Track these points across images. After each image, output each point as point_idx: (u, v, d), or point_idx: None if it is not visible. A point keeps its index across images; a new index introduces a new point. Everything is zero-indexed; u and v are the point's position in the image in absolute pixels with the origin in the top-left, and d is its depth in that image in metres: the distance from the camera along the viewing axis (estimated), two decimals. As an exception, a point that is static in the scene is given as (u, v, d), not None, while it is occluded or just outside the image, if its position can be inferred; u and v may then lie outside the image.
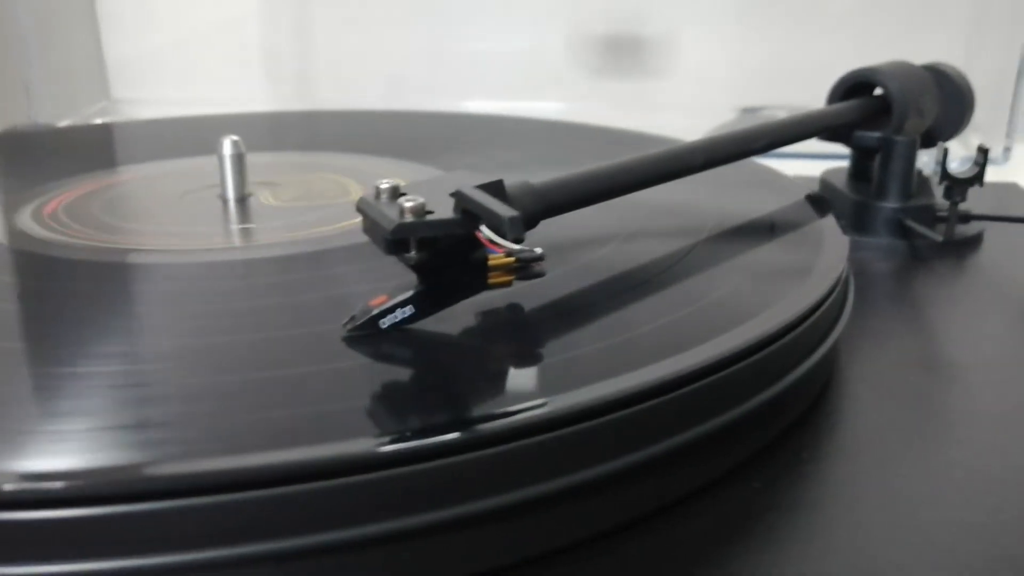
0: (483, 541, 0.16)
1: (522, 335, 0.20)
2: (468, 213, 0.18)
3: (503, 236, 0.17)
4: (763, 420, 0.20)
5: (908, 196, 0.33)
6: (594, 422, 0.16)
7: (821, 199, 0.30)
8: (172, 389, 0.17)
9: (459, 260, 0.19)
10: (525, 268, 0.20)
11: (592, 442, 0.16)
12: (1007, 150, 0.47)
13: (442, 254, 0.18)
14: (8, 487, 0.14)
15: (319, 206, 0.28)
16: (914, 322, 0.27)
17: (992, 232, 0.33)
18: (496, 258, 0.19)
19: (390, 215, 0.18)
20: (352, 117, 0.42)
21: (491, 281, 0.19)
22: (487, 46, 0.66)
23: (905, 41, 0.56)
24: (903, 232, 0.32)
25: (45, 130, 0.44)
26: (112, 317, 0.21)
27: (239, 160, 0.29)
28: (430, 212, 0.18)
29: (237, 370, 0.18)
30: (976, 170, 0.30)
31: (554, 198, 0.22)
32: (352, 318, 0.19)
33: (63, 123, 0.48)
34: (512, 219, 0.17)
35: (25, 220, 0.28)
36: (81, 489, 0.14)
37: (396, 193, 0.19)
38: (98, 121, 0.49)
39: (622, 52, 0.66)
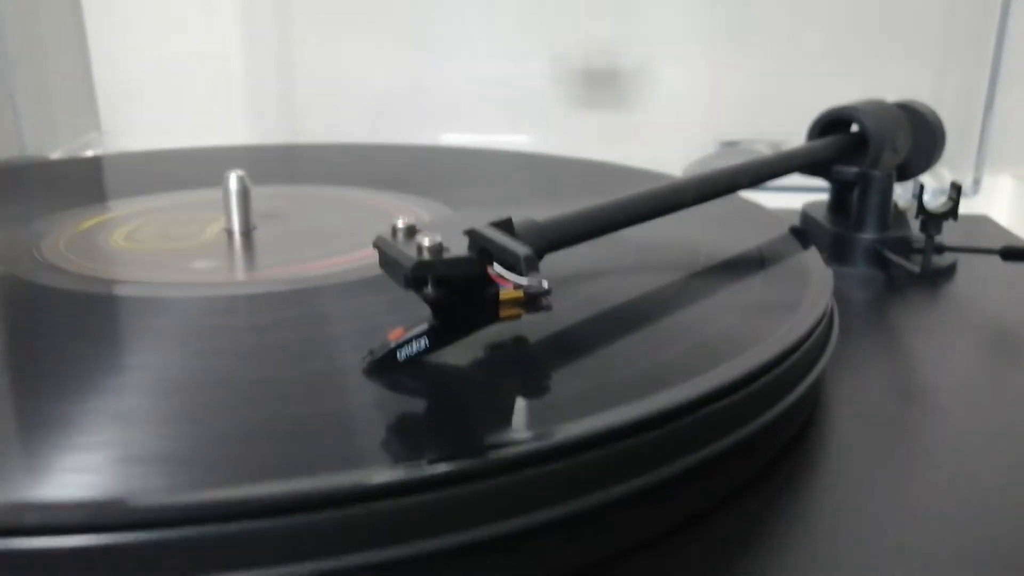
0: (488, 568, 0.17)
1: (525, 369, 0.21)
2: (482, 251, 0.19)
3: (519, 273, 0.18)
4: (754, 449, 0.21)
5: (885, 228, 0.34)
6: (588, 454, 0.17)
7: (803, 232, 0.31)
8: (190, 422, 0.18)
9: (471, 294, 0.20)
10: (533, 302, 0.21)
11: (587, 473, 0.17)
12: (976, 182, 0.49)
13: (456, 289, 0.19)
14: (31, 516, 0.15)
15: (324, 239, 0.29)
16: (892, 349, 0.28)
17: (964, 262, 0.35)
18: (507, 292, 0.20)
19: (409, 253, 0.19)
20: (345, 150, 0.43)
21: (502, 314, 0.20)
22: (465, 79, 0.68)
23: (875, 74, 0.58)
24: (880, 262, 0.34)
25: (40, 162, 0.44)
26: (128, 352, 0.22)
27: (244, 195, 0.29)
28: (446, 250, 0.19)
29: (258, 403, 0.19)
30: (950, 205, 0.31)
31: (557, 234, 0.23)
32: (371, 351, 0.20)
33: (56, 154, 0.49)
34: (527, 257, 0.18)
35: (34, 253, 0.28)
36: (93, 517, 0.15)
37: (412, 232, 0.20)
38: (90, 153, 0.50)
39: (600, 85, 0.67)
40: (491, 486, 0.16)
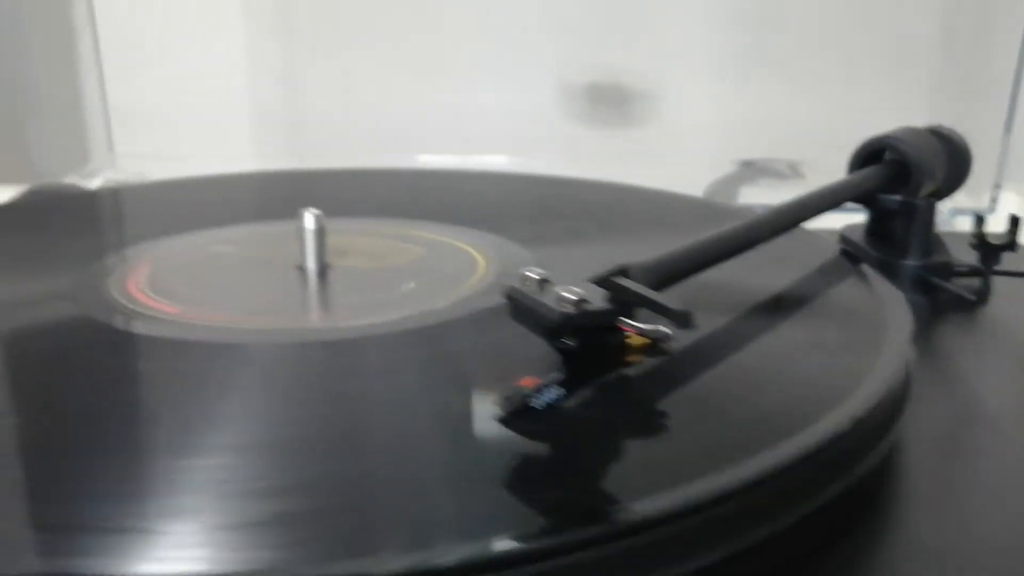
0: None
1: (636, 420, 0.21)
2: (624, 303, 0.20)
3: (679, 327, 0.19)
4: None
5: (928, 254, 0.35)
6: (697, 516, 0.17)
7: (856, 259, 0.32)
8: (306, 482, 0.18)
9: (599, 341, 0.20)
10: (655, 347, 0.21)
11: (695, 534, 0.18)
12: (993, 201, 0.51)
13: (588, 337, 0.20)
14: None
15: (401, 277, 0.29)
16: (950, 375, 0.29)
17: (998, 284, 0.36)
18: (632, 338, 0.21)
19: (552, 305, 0.19)
20: (386, 177, 0.44)
21: (627, 360, 0.21)
22: (472, 100, 0.68)
23: (885, 93, 0.60)
24: (925, 288, 0.35)
25: (76, 192, 0.44)
26: (224, 403, 0.22)
27: (321, 233, 0.30)
28: (588, 302, 0.19)
29: (378, 457, 0.19)
30: (1009, 237, 0.32)
31: (665, 276, 0.23)
32: (507, 399, 0.20)
33: (71, 178, 0.48)
34: (687, 314, 0.19)
35: (105, 291, 0.28)
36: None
37: (545, 283, 0.20)
38: (111, 177, 0.49)
39: (609, 106, 0.68)
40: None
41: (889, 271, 0.36)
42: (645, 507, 0.17)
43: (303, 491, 0.18)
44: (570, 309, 0.19)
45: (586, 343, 0.20)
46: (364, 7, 0.67)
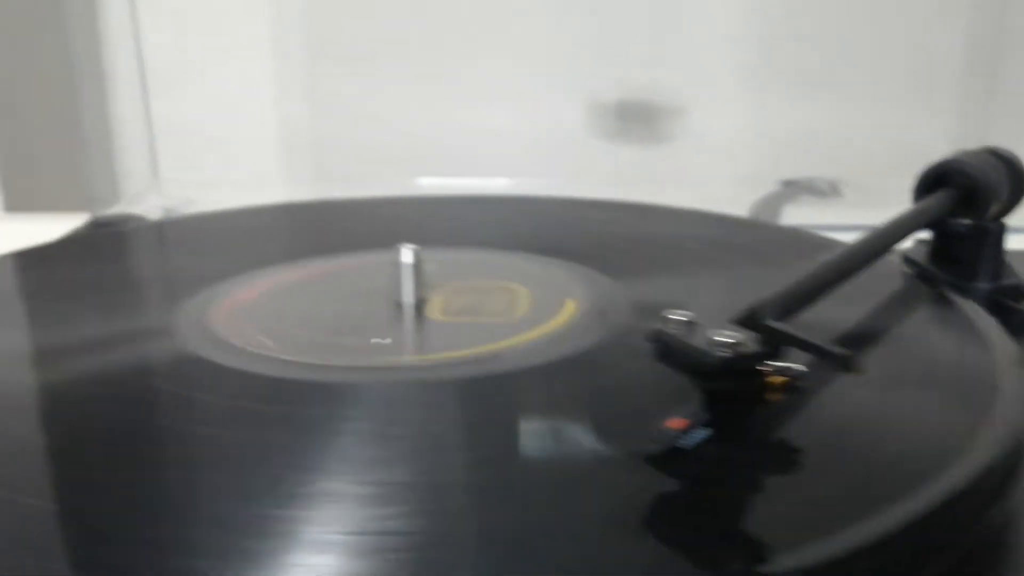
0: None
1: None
2: (776, 346, 0.20)
3: (842, 370, 0.19)
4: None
5: (999, 277, 0.36)
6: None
7: (934, 284, 0.33)
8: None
9: (741, 380, 0.21)
10: (792, 385, 0.22)
11: None
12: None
13: (738, 378, 0.20)
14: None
15: (496, 312, 0.30)
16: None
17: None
18: (772, 377, 0.21)
19: (707, 349, 0.20)
20: (453, 204, 0.44)
21: (766, 398, 0.21)
22: (500, 120, 0.68)
23: (915, 108, 0.60)
24: (997, 311, 0.35)
25: (140, 222, 0.44)
26: (352, 446, 0.22)
27: (418, 267, 0.30)
28: (743, 344, 0.20)
29: (516, 499, 0.19)
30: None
31: (783, 312, 0.24)
32: (652, 440, 0.20)
33: (141, 208, 0.48)
34: (850, 357, 0.19)
35: (204, 326, 0.28)
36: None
37: (692, 324, 0.21)
38: (157, 204, 0.49)
39: (643, 123, 0.68)
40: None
41: (960, 294, 0.37)
42: (798, 556, 0.17)
43: (445, 535, 0.18)
44: (727, 353, 0.19)
45: (734, 384, 0.20)
46: (393, 28, 0.68)
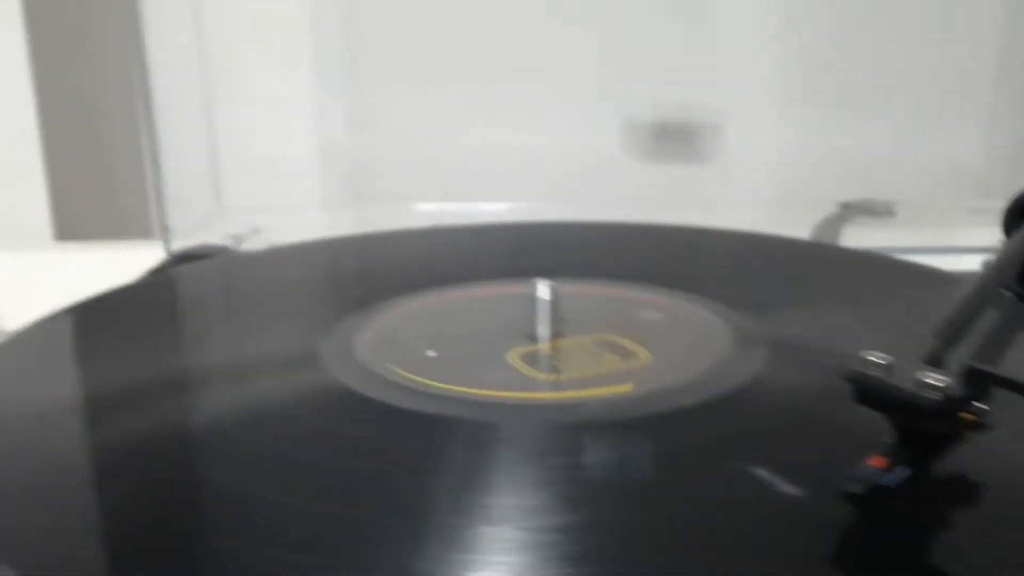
0: None
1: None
2: (980, 386, 0.21)
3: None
4: None
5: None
6: None
7: None
8: None
9: (942, 420, 0.21)
10: (982, 425, 0.22)
11: None
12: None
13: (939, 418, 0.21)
14: None
15: (644, 346, 0.30)
16: None
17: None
18: (966, 415, 0.22)
19: (917, 391, 0.20)
20: (559, 231, 0.44)
21: (960, 437, 0.22)
22: (537, 142, 0.69)
23: (957, 126, 0.61)
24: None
25: (229, 252, 0.43)
26: (517, 486, 0.22)
27: (556, 304, 0.30)
28: (951, 387, 0.20)
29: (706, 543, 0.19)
30: None
31: (952, 343, 0.24)
32: (856, 479, 0.21)
33: (208, 236, 0.48)
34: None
35: (349, 358, 0.28)
36: None
37: (891, 367, 0.21)
38: (225, 231, 0.49)
39: (686, 145, 0.69)
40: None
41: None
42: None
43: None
44: (937, 395, 0.20)
45: (937, 424, 0.21)
46: (433, 51, 0.68)
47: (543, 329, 0.30)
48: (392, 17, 0.68)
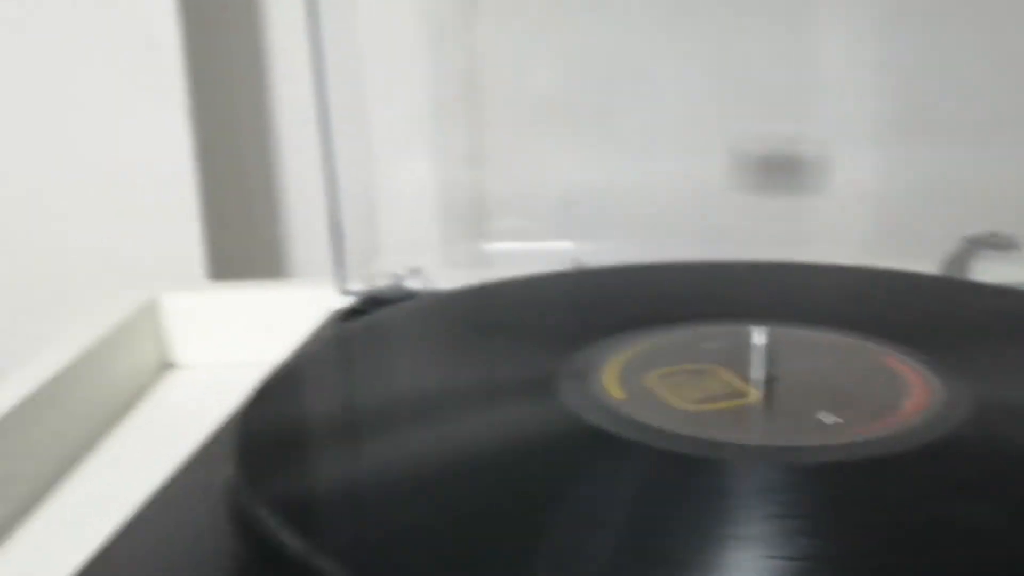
0: None
1: None
2: None
3: None
4: None
5: None
6: None
7: None
8: None
9: None
10: None
11: None
12: None
13: None
14: None
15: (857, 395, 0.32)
16: None
17: None
18: None
19: None
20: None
21: None
22: (651, 176, 0.71)
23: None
24: None
25: (416, 294, 0.46)
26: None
27: (772, 349, 0.32)
28: None
29: None
30: None
31: None
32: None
33: (377, 278, 0.51)
34: None
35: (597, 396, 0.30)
36: None
37: None
38: (384, 271, 0.52)
39: (791, 178, 0.71)
40: None
41: None
42: None
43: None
44: None
45: None
46: (543, 89, 0.71)
47: (757, 372, 0.32)
48: (509, 56, 0.71)
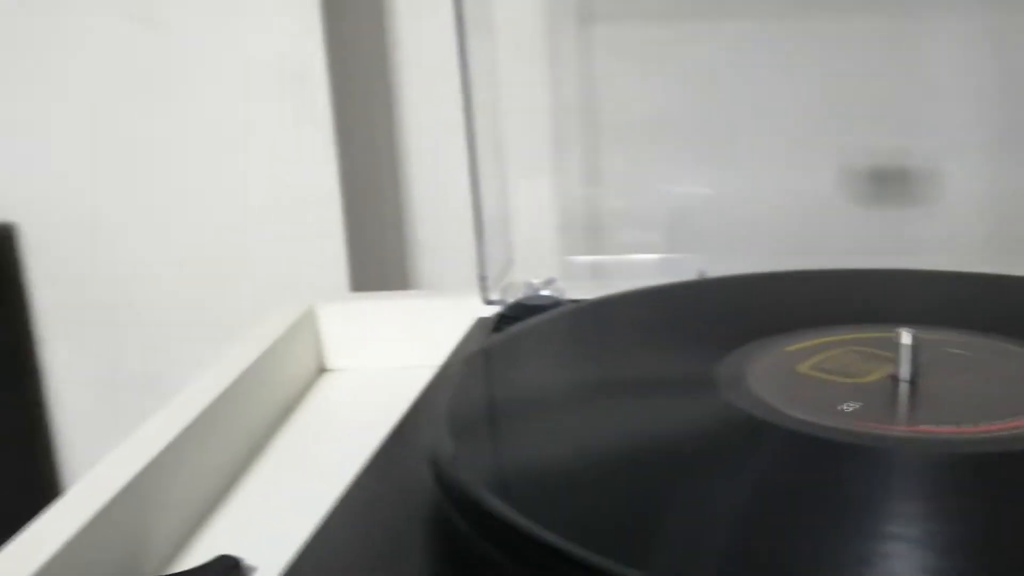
0: None
1: None
2: None
3: None
4: None
5: None
6: None
7: None
8: None
9: None
10: None
11: None
12: None
13: None
14: None
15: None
16: None
17: None
18: None
19: None
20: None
21: None
22: (757, 192, 0.73)
23: None
24: None
25: (558, 302, 0.50)
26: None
27: (916, 349, 0.34)
28: None
29: None
30: None
31: None
32: None
33: (513, 289, 0.54)
34: None
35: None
36: None
37: None
38: (521, 281, 0.55)
39: (901, 190, 0.72)
40: None
41: None
42: None
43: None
44: None
45: None
46: (655, 107, 0.73)
47: (904, 373, 0.35)
48: (621, 77, 0.74)
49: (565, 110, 0.74)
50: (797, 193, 0.73)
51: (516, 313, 0.48)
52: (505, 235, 0.62)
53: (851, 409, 0.32)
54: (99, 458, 0.36)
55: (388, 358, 0.57)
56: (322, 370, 0.57)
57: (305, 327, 0.56)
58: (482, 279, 0.53)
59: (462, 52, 0.51)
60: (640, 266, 0.73)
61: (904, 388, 0.34)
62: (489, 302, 0.53)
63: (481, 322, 0.52)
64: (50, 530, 0.30)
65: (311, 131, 0.66)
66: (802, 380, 0.35)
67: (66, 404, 0.73)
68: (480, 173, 0.54)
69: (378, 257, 0.73)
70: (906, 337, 0.35)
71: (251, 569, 0.33)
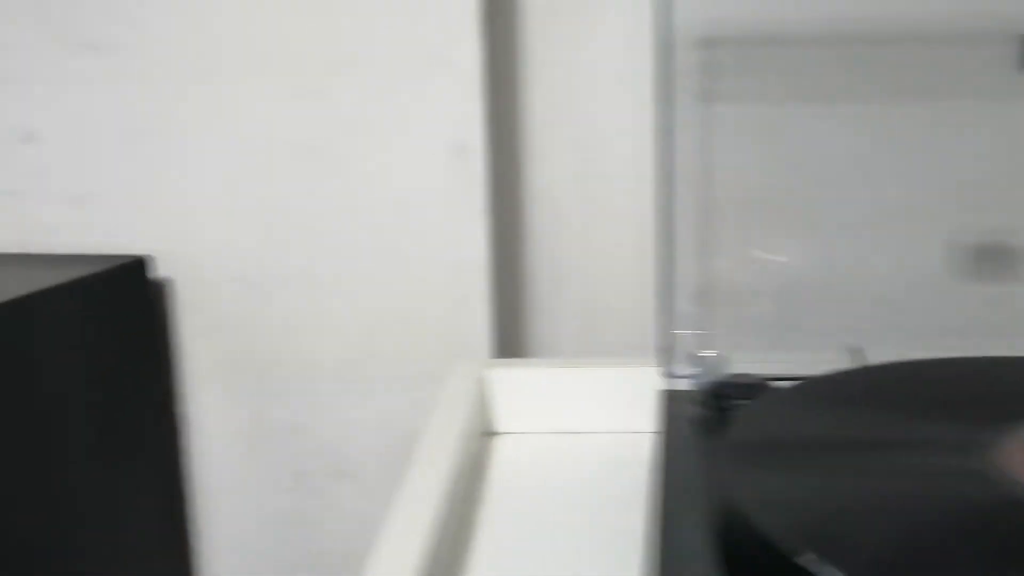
0: None
1: None
2: None
3: None
4: None
5: None
6: None
7: None
8: None
9: None
10: None
11: None
12: None
13: None
14: None
15: None
16: None
17: None
18: None
19: None
20: None
21: None
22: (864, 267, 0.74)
23: None
24: None
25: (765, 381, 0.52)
26: None
27: None
28: None
29: None
30: None
31: None
32: None
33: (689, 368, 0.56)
34: None
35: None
36: None
37: None
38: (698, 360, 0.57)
39: (1007, 268, 0.73)
40: None
41: None
42: None
43: None
44: None
45: None
46: (763, 186, 0.75)
47: None
48: (738, 160, 0.76)
49: (681, 189, 0.76)
50: (904, 270, 0.74)
51: (724, 392, 0.49)
52: (671, 307, 0.64)
53: None
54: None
55: (554, 423, 0.59)
56: (488, 433, 0.59)
57: (473, 390, 0.58)
58: (665, 355, 0.55)
59: (665, 124, 0.54)
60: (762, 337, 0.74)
61: None
62: (672, 376, 0.55)
63: (670, 395, 0.53)
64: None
65: (467, 200, 0.68)
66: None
67: (211, 454, 0.75)
68: (676, 248, 0.56)
69: (522, 323, 0.76)
70: None
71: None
